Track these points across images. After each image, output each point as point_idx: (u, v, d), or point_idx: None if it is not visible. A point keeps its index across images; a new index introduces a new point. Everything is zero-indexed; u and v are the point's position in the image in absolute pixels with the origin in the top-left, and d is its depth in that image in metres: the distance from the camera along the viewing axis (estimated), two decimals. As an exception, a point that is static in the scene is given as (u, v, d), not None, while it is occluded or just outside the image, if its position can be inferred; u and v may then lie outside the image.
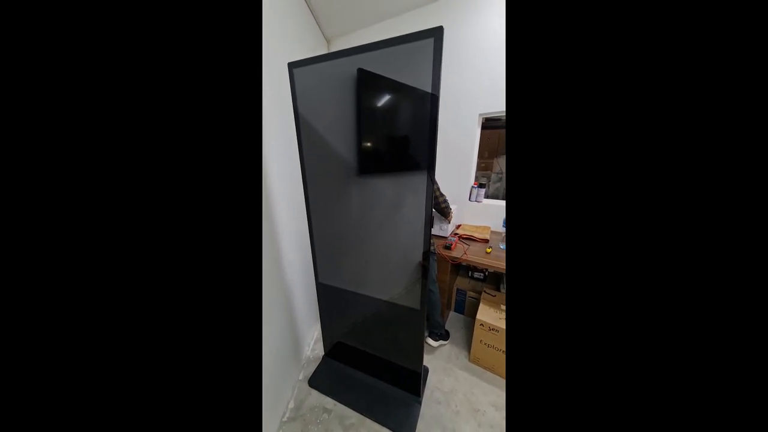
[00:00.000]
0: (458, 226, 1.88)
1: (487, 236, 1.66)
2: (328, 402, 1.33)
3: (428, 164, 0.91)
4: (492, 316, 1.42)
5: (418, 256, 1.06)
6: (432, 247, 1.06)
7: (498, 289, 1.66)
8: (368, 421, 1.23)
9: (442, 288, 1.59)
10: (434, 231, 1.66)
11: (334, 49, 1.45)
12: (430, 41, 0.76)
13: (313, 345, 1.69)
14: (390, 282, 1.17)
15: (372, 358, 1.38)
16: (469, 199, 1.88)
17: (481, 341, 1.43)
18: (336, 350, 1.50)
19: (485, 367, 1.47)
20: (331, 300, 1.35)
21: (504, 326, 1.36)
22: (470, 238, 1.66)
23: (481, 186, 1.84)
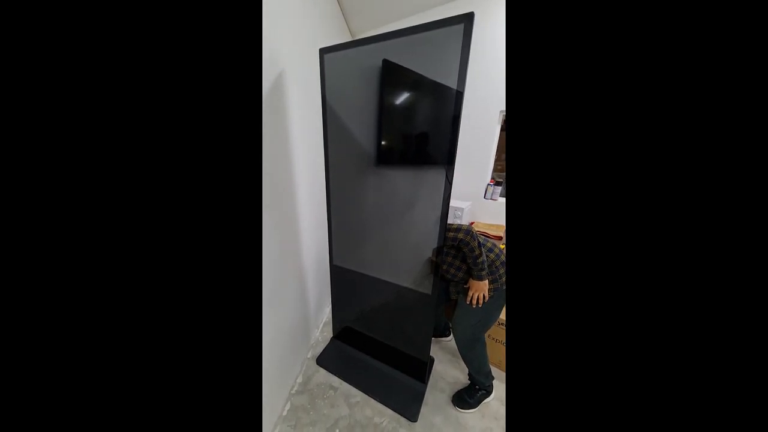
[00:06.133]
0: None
1: (502, 234, 1.66)
2: (335, 380, 1.36)
3: (447, 160, 0.91)
4: (503, 312, 1.41)
5: (430, 251, 1.07)
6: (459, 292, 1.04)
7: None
8: (372, 401, 1.25)
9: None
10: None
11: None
12: (460, 27, 0.77)
13: (322, 327, 1.73)
14: (402, 269, 1.19)
15: (379, 344, 1.40)
16: (485, 197, 1.88)
17: (489, 335, 1.42)
18: (344, 334, 1.53)
19: (492, 363, 1.46)
20: (344, 282, 1.39)
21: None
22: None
23: (497, 184, 1.84)
